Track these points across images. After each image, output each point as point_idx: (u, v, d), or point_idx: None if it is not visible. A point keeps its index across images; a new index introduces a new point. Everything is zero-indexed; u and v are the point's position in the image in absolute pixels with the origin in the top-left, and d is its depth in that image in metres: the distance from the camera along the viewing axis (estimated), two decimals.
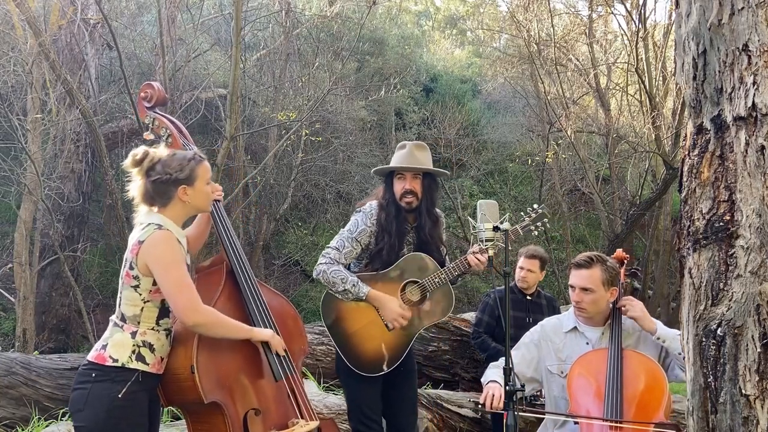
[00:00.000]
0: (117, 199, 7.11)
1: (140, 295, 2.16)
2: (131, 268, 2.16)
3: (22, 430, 3.73)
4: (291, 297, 9.85)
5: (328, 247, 2.95)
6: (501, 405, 2.53)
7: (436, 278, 2.97)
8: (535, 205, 3.23)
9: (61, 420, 3.66)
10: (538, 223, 3.17)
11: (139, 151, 2.22)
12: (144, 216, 2.22)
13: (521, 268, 4.10)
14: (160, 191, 2.19)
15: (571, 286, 2.84)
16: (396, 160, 3.04)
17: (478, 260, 2.93)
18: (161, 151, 2.25)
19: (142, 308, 2.17)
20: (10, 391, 3.78)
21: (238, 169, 9.06)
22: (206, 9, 9.81)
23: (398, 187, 2.99)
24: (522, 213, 3.22)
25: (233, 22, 6.65)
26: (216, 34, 10.52)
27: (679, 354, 2.66)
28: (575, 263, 2.83)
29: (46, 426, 3.66)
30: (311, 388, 4.19)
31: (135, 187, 2.24)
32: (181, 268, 2.14)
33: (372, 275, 2.96)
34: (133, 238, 2.21)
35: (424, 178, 3.01)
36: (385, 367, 2.91)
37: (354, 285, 2.86)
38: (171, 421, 3.89)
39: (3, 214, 9.41)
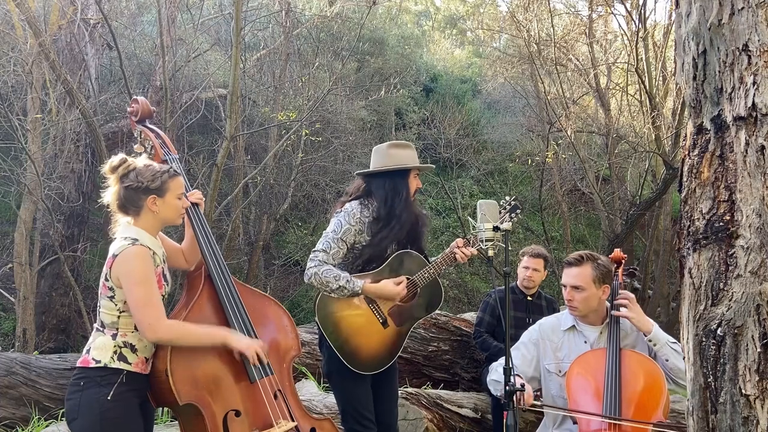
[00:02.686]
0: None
1: (116, 305, 2.23)
2: (106, 279, 2.23)
3: (22, 430, 3.74)
4: (291, 297, 9.85)
5: (315, 251, 2.92)
6: (530, 400, 2.57)
7: (425, 273, 3.02)
8: (508, 197, 3.27)
9: (61, 420, 3.66)
10: (512, 214, 3.20)
11: (117, 157, 2.31)
12: (122, 229, 2.29)
13: (526, 267, 4.09)
14: (131, 199, 2.26)
15: (563, 285, 2.86)
16: (408, 159, 3.05)
17: (464, 254, 3.02)
18: (139, 160, 2.33)
19: (119, 316, 2.23)
20: (10, 391, 3.78)
21: (238, 169, 9.06)
22: (206, 9, 9.81)
23: (414, 184, 3.06)
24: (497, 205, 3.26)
25: (233, 22, 6.65)
26: (216, 34, 10.51)
27: (666, 361, 2.66)
28: (566, 262, 2.88)
29: (46, 426, 3.66)
30: (311, 388, 4.19)
31: (110, 192, 2.31)
32: (147, 286, 2.18)
33: (362, 275, 2.95)
34: (110, 250, 2.26)
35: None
36: (382, 365, 2.94)
37: (348, 281, 2.85)
38: (171, 420, 3.90)
39: (3, 214, 9.41)
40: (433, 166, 3.22)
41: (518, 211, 3.23)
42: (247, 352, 2.30)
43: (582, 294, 2.78)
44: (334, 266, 2.92)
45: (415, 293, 3.03)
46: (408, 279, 3.02)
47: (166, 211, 2.30)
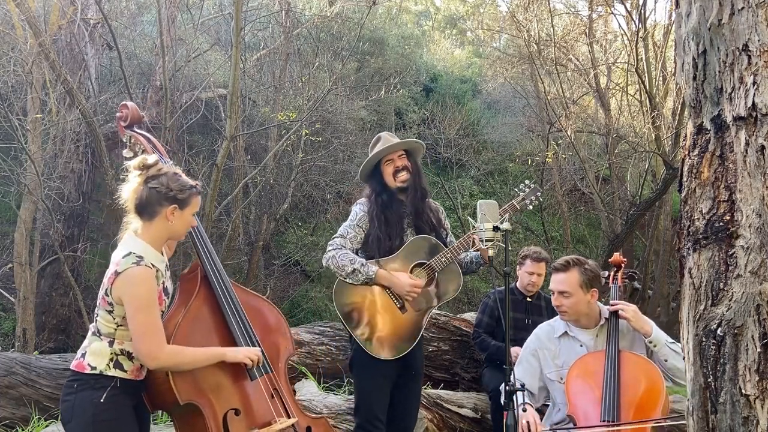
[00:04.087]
0: (117, 198, 7.12)
1: (114, 319, 2.20)
2: (107, 294, 2.18)
3: (22, 430, 3.73)
4: (291, 297, 9.84)
5: (334, 237, 3.04)
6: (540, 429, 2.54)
7: (442, 258, 3.03)
8: (527, 181, 3.31)
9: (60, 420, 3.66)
10: (532, 197, 3.24)
11: (152, 157, 2.26)
12: (128, 240, 2.23)
13: (531, 273, 4.04)
14: (153, 202, 2.20)
15: (551, 291, 2.86)
16: (375, 155, 3.13)
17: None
18: (170, 166, 2.31)
19: (116, 329, 2.21)
20: (10, 391, 3.78)
21: (238, 169, 9.05)
22: (206, 9, 9.80)
23: (389, 169, 3.08)
24: (516, 189, 3.30)
25: (233, 22, 6.65)
26: (216, 34, 10.50)
27: (665, 361, 2.67)
28: (554, 267, 2.87)
29: (46, 426, 3.66)
30: (311, 388, 4.19)
31: (129, 189, 2.24)
32: (150, 312, 2.15)
33: (376, 261, 2.99)
34: (113, 260, 2.21)
35: (408, 156, 3.13)
36: (401, 351, 2.94)
37: (363, 265, 2.92)
38: (170, 420, 3.89)
39: (3, 214, 9.40)
40: (403, 141, 3.16)
41: (539, 193, 3.27)
42: (245, 361, 2.31)
43: (570, 299, 2.78)
44: (352, 251, 2.99)
45: (433, 278, 3.04)
46: (425, 264, 3.03)
47: (179, 224, 2.26)
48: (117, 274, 2.15)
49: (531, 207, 3.30)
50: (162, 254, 2.32)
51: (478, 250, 3.05)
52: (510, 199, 3.31)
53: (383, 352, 2.92)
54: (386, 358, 2.92)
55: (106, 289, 2.19)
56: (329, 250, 2.99)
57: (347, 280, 2.95)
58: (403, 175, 3.07)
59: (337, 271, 2.96)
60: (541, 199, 3.33)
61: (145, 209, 2.22)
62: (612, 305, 2.83)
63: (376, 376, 2.94)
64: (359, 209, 3.09)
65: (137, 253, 2.17)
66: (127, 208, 2.26)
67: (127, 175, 2.27)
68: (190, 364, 2.22)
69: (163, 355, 2.15)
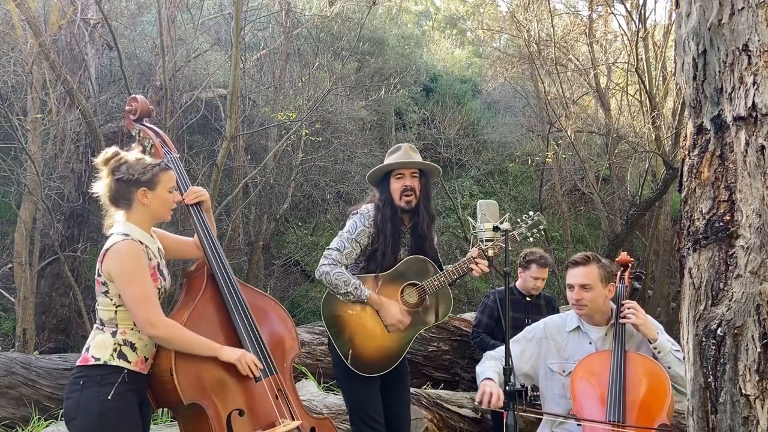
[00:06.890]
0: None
1: (111, 300, 2.22)
2: (99, 275, 2.22)
3: (22, 430, 3.74)
4: (291, 297, 9.84)
5: (329, 249, 2.97)
6: (500, 403, 2.52)
7: (435, 281, 3.00)
8: (531, 212, 3.23)
9: (61, 420, 3.66)
10: (534, 230, 3.17)
11: (110, 150, 2.31)
12: (116, 225, 2.29)
13: (536, 278, 4.04)
14: (122, 191, 2.27)
15: (570, 286, 2.85)
16: (392, 160, 3.06)
17: (481, 269, 2.96)
18: (131, 154, 2.34)
19: (116, 312, 2.22)
20: (10, 391, 3.78)
21: (238, 169, 9.05)
22: (206, 9, 9.80)
23: (397, 185, 3.01)
24: (518, 220, 3.21)
25: (233, 22, 6.65)
26: (216, 34, 10.50)
27: (669, 368, 2.66)
28: (572, 262, 2.87)
29: (46, 426, 3.67)
30: (311, 388, 4.19)
31: (101, 185, 2.31)
32: (141, 281, 2.17)
33: (372, 277, 2.98)
34: (104, 247, 2.26)
35: (421, 177, 3.05)
36: (383, 368, 2.93)
37: (356, 288, 2.89)
38: (171, 420, 3.90)
39: (3, 214, 9.40)
40: (420, 161, 3.06)
41: (542, 226, 3.18)
42: (237, 364, 2.28)
43: (590, 293, 2.79)
44: (347, 267, 2.96)
45: (424, 299, 3.02)
46: (418, 285, 3.02)
47: (156, 204, 2.30)
48: (105, 251, 2.21)
49: (532, 240, 3.23)
50: (152, 237, 2.35)
51: (470, 270, 3.01)
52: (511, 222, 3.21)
53: (363, 368, 2.90)
54: (366, 375, 2.90)
55: (98, 270, 2.23)
56: (324, 264, 2.92)
57: (338, 297, 2.91)
58: (409, 197, 2.99)
59: (329, 287, 2.91)
60: (543, 233, 3.25)
61: (120, 200, 2.29)
62: (626, 307, 2.81)
63: (362, 380, 2.92)
64: (359, 222, 3.00)
65: (123, 231, 2.24)
66: (105, 204, 2.33)
67: (98, 173, 2.33)
68: (185, 343, 2.21)
69: (161, 322, 2.17)
